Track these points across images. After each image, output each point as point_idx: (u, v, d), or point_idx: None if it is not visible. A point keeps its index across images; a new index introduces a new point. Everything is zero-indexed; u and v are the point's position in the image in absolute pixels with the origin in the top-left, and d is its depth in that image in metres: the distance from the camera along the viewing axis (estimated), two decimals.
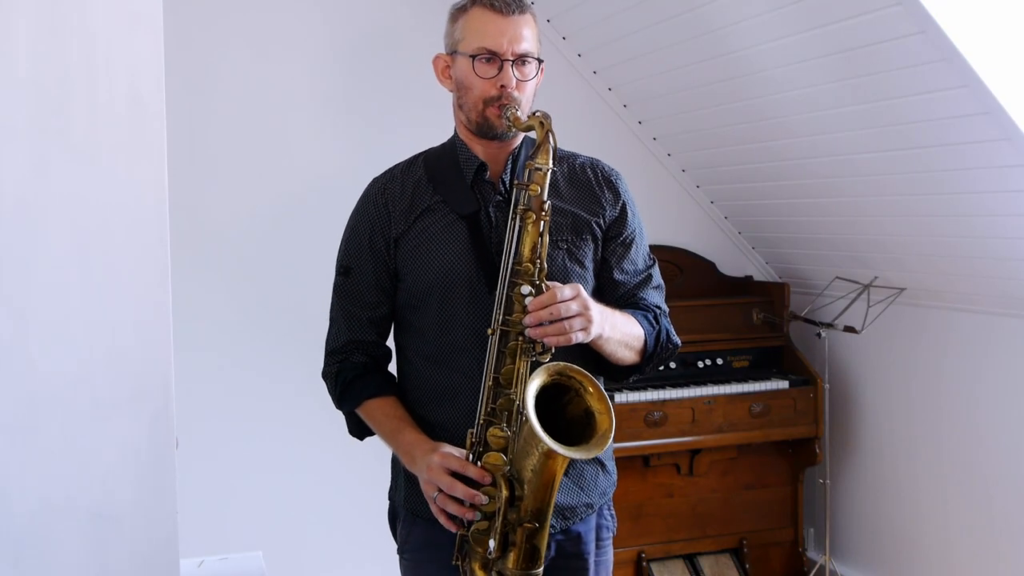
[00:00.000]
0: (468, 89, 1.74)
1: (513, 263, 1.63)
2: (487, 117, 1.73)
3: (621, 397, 3.46)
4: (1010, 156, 2.61)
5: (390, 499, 1.93)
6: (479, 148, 1.79)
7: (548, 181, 1.64)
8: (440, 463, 1.61)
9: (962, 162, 2.78)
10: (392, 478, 1.92)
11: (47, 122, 1.66)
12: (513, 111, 1.68)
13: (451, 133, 1.86)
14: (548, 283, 1.62)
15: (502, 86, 1.71)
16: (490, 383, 1.63)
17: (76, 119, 1.67)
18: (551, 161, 1.64)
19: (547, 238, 1.64)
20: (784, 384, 3.70)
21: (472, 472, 1.59)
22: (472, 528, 1.61)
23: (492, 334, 1.63)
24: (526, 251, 1.62)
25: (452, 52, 1.77)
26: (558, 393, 1.58)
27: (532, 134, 1.73)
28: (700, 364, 3.73)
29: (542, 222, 1.63)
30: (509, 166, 1.79)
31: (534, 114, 1.65)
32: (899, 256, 3.39)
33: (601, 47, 3.70)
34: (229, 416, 3.47)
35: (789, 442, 3.79)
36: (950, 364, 3.42)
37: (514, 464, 1.58)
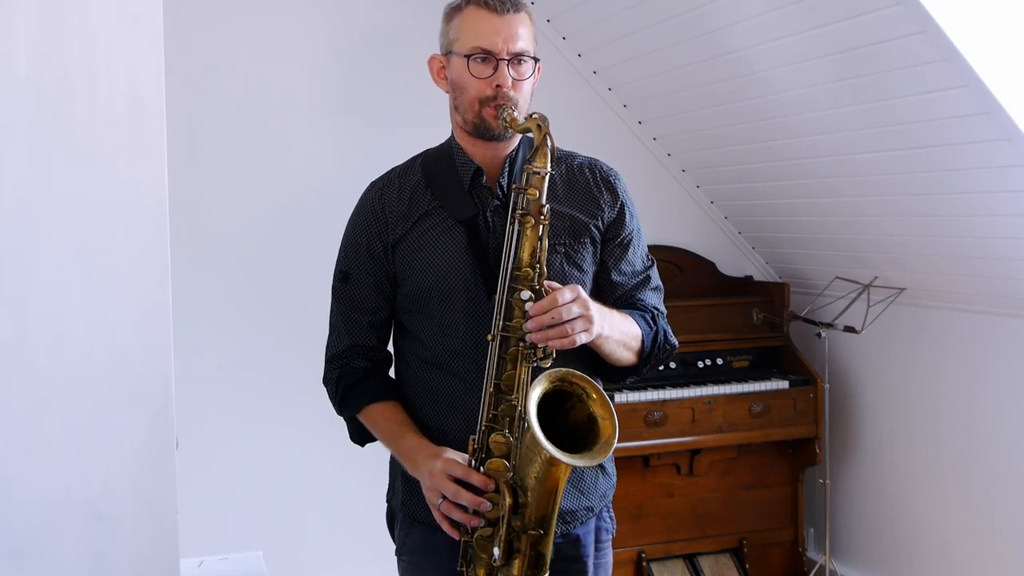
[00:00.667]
0: (463, 89, 1.72)
1: (512, 268, 1.61)
2: (483, 118, 1.71)
3: (621, 397, 3.46)
4: (1010, 156, 2.61)
5: (388, 502, 1.92)
6: (476, 151, 1.78)
7: (546, 185, 1.62)
8: (443, 469, 1.60)
9: (962, 162, 2.78)
10: (390, 480, 1.92)
11: (47, 122, 1.66)
12: (510, 112, 1.67)
13: (450, 133, 1.85)
14: (548, 283, 1.61)
15: (498, 86, 1.69)
16: (491, 389, 1.61)
17: (76, 119, 1.67)
18: (549, 165, 1.62)
19: (546, 242, 1.62)
20: (784, 384, 3.70)
21: (475, 479, 1.58)
22: (476, 534, 1.60)
23: (492, 340, 1.62)
24: (525, 256, 1.61)
25: (447, 52, 1.76)
26: (560, 399, 1.58)
27: (530, 134, 1.73)
28: (700, 364, 3.73)
29: (541, 226, 1.61)
30: (506, 169, 1.77)
31: (531, 116, 1.63)
32: (899, 256, 3.39)
33: (601, 47, 3.70)
34: (229, 416, 3.47)
35: (789, 442, 3.79)
36: (950, 364, 3.42)
37: (517, 471, 1.57)
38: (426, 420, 1.77)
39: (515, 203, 1.63)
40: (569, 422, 1.58)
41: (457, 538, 1.63)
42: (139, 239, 1.72)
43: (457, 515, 1.59)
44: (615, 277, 1.82)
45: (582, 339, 1.58)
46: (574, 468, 1.76)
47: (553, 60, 3.74)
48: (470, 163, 1.78)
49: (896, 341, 3.63)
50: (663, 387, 3.57)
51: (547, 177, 1.62)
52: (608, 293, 1.82)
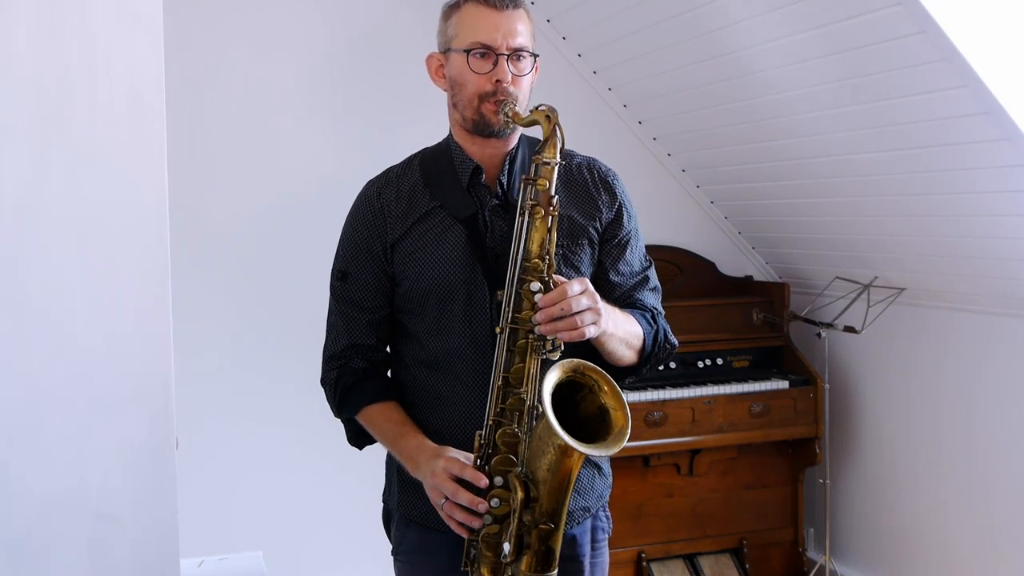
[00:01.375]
0: (463, 86, 1.72)
1: (522, 259, 1.60)
2: (483, 114, 1.71)
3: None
4: (1010, 156, 2.61)
5: (384, 502, 1.92)
6: (474, 149, 1.77)
7: (556, 175, 1.62)
8: (444, 468, 1.60)
9: (962, 162, 2.78)
10: (386, 480, 1.91)
11: (47, 122, 1.66)
12: (512, 106, 1.66)
13: (448, 131, 1.85)
14: (556, 277, 1.61)
15: (497, 81, 1.68)
16: (499, 383, 1.60)
17: (76, 119, 1.67)
18: (559, 155, 1.61)
19: (555, 234, 1.62)
20: (784, 384, 3.70)
21: (468, 475, 1.57)
22: (482, 533, 1.59)
23: (501, 332, 1.61)
24: (534, 247, 1.60)
25: (445, 50, 1.76)
26: (571, 392, 1.56)
27: (530, 132, 1.72)
28: (700, 364, 3.73)
29: (550, 217, 1.61)
30: (506, 167, 1.77)
31: (539, 108, 1.63)
32: (899, 256, 3.39)
33: (601, 47, 3.70)
34: (229, 416, 3.47)
35: (789, 442, 3.79)
36: (950, 364, 3.42)
37: (528, 464, 1.56)
38: (423, 421, 1.76)
39: (524, 194, 1.62)
40: (580, 415, 1.57)
41: (466, 537, 1.61)
42: (139, 239, 1.72)
43: (459, 515, 1.58)
44: (613, 277, 1.82)
45: (591, 332, 1.57)
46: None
47: (553, 60, 3.74)
48: (469, 161, 1.77)
49: (896, 341, 3.63)
50: (663, 387, 3.57)
51: (556, 168, 1.62)
52: (606, 293, 1.81)
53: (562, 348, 1.59)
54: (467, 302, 1.73)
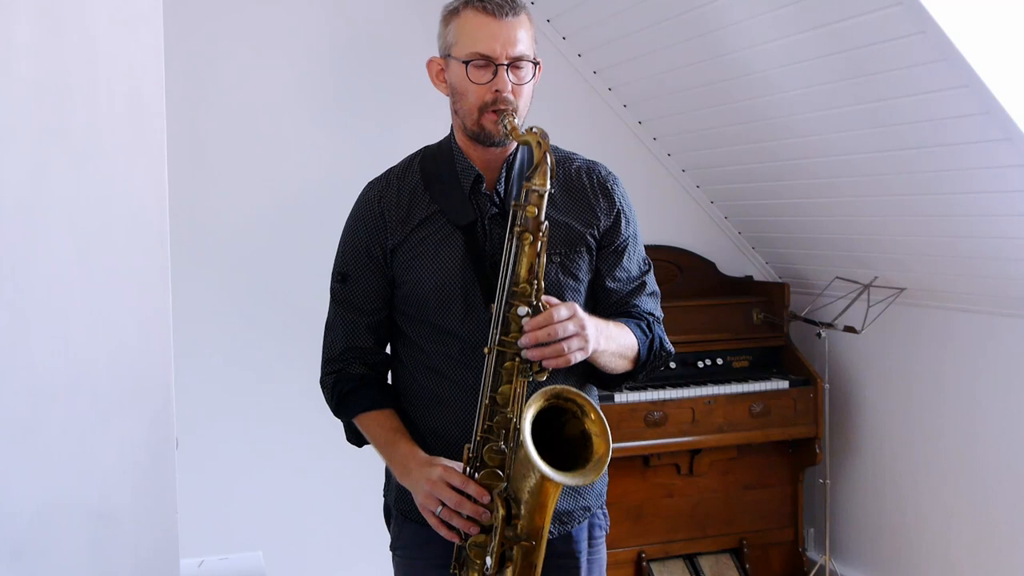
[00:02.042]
0: (463, 95, 1.71)
1: (510, 284, 1.60)
2: (483, 125, 1.70)
3: (621, 397, 3.46)
4: (1010, 156, 2.61)
5: (384, 496, 1.93)
6: (475, 154, 1.77)
7: (545, 203, 1.61)
8: (443, 476, 1.61)
9: (962, 162, 2.78)
10: (385, 477, 1.92)
11: (47, 122, 1.66)
12: (511, 119, 1.65)
13: (450, 129, 1.84)
14: (546, 299, 1.61)
15: (497, 91, 1.68)
16: (487, 401, 1.62)
17: (76, 119, 1.67)
18: (548, 183, 1.60)
19: (544, 258, 1.61)
20: (784, 384, 3.70)
21: (472, 489, 1.59)
22: (469, 540, 1.61)
23: (489, 353, 1.61)
24: (523, 272, 1.60)
25: (445, 55, 1.75)
26: (555, 414, 1.58)
27: (528, 125, 1.72)
28: (700, 364, 3.73)
29: (539, 243, 1.60)
30: (503, 175, 1.76)
31: (532, 130, 1.61)
32: (899, 256, 3.39)
33: (601, 47, 3.70)
34: (229, 416, 3.47)
35: (789, 442, 3.79)
36: (950, 364, 3.42)
37: (511, 483, 1.59)
38: (421, 423, 1.77)
39: (513, 219, 1.62)
40: (564, 435, 1.59)
41: (456, 542, 1.63)
42: (139, 239, 1.72)
43: (457, 522, 1.60)
44: (610, 284, 1.82)
45: (577, 357, 1.59)
46: None
47: (553, 60, 3.74)
48: (471, 169, 1.77)
49: (896, 341, 3.63)
50: (663, 387, 3.57)
51: (546, 196, 1.61)
52: (603, 299, 1.82)
53: (548, 371, 1.60)
54: (464, 308, 1.73)
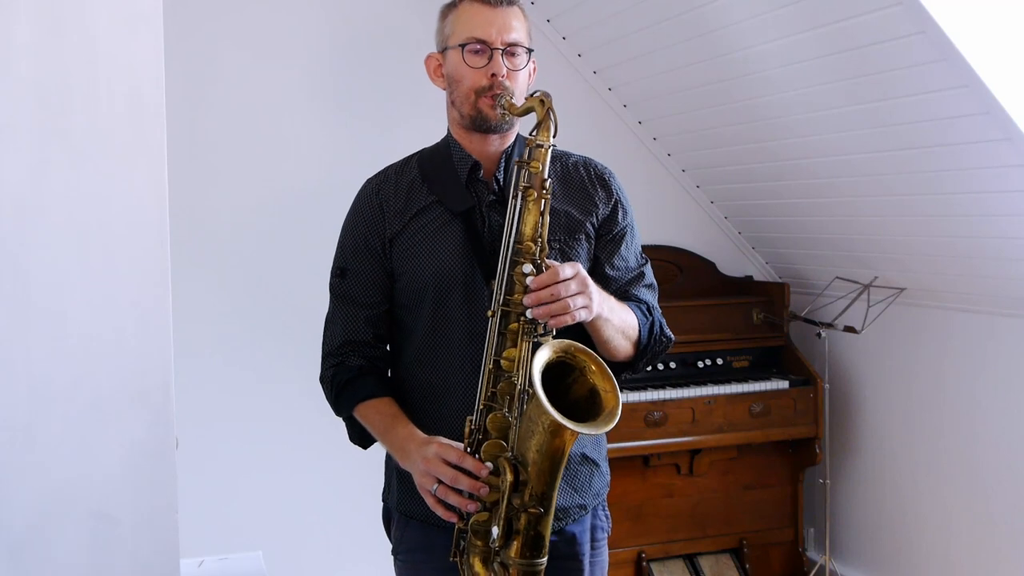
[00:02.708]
0: (459, 82, 1.74)
1: (514, 242, 1.61)
2: (480, 109, 1.72)
3: (621, 397, 3.44)
4: (1010, 156, 2.61)
5: (384, 501, 1.92)
6: (473, 146, 1.79)
7: (549, 158, 1.62)
8: (438, 453, 1.59)
9: (962, 162, 2.78)
10: (385, 479, 1.92)
11: (47, 122, 1.66)
12: (508, 98, 1.67)
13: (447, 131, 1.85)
14: (548, 262, 1.61)
15: (493, 75, 1.70)
16: (490, 366, 1.60)
17: (76, 119, 1.67)
18: (552, 138, 1.62)
19: (548, 217, 1.62)
20: (784, 384, 3.70)
21: (469, 463, 1.57)
22: (472, 520, 1.58)
23: (492, 315, 1.61)
24: (527, 230, 1.60)
25: (443, 49, 1.78)
26: (562, 374, 1.55)
27: (526, 130, 1.72)
28: (700, 364, 3.73)
29: (543, 200, 1.61)
30: (503, 164, 1.78)
31: (533, 94, 1.63)
32: (899, 256, 3.39)
33: (601, 47, 3.70)
34: (229, 416, 3.47)
35: (789, 442, 3.79)
36: (950, 364, 3.42)
37: (517, 447, 1.55)
38: (422, 415, 1.77)
39: (518, 177, 1.63)
40: (570, 398, 1.56)
41: (454, 522, 1.61)
42: (139, 239, 1.72)
43: (454, 499, 1.57)
44: (609, 272, 1.83)
45: (581, 316, 1.58)
46: (568, 464, 1.76)
47: (553, 60, 3.74)
48: (467, 157, 1.79)
49: (896, 341, 3.63)
50: (663, 387, 3.57)
51: (550, 150, 1.62)
52: (602, 288, 1.82)
53: (554, 332, 1.59)
54: (465, 296, 1.74)
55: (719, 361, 3.76)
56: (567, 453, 1.53)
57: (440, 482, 1.58)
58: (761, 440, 3.71)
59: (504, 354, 1.60)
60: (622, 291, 1.83)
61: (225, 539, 3.32)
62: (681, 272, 3.97)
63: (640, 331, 1.76)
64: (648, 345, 1.79)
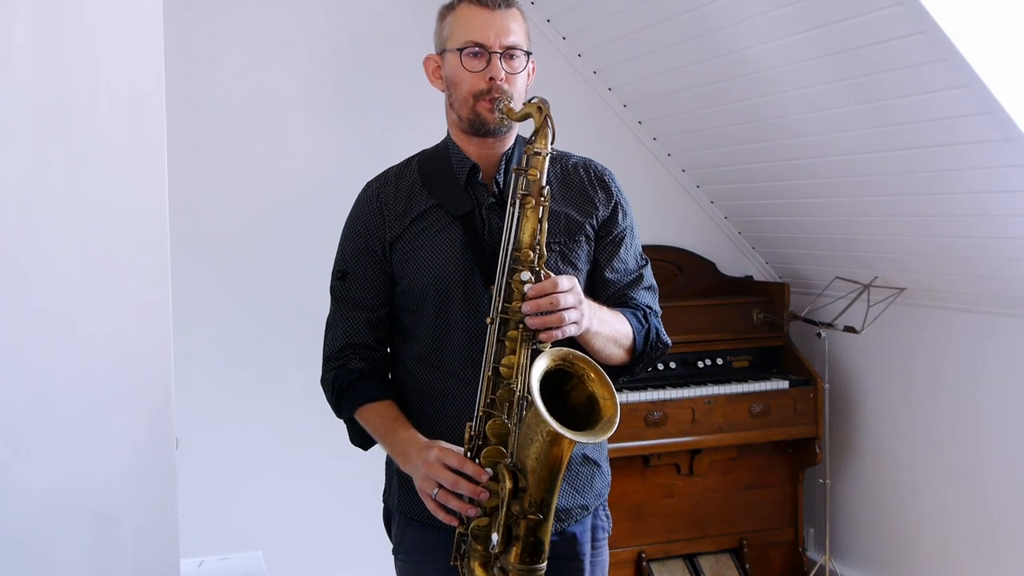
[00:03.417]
0: (457, 85, 1.74)
1: (512, 249, 1.61)
2: (478, 112, 1.72)
3: (621, 397, 3.42)
4: (1010, 156, 2.61)
5: (384, 501, 1.93)
6: (472, 149, 1.79)
7: (547, 165, 1.62)
8: (439, 458, 1.60)
9: (962, 162, 2.78)
10: (386, 480, 1.92)
11: (47, 122, 1.66)
12: (506, 103, 1.68)
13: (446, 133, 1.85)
14: (547, 272, 1.61)
15: (491, 78, 1.70)
16: (489, 373, 1.61)
17: (76, 119, 1.67)
18: (549, 146, 1.62)
19: (546, 224, 1.62)
20: (784, 384, 3.70)
21: (469, 468, 1.57)
22: (472, 525, 1.59)
23: (491, 323, 1.61)
24: (525, 237, 1.61)
25: (441, 51, 1.78)
26: (560, 381, 1.56)
27: (527, 133, 1.72)
28: (700, 364, 3.73)
29: (541, 208, 1.61)
30: (502, 167, 1.78)
31: (531, 100, 1.64)
32: (899, 256, 3.39)
33: (601, 47, 3.70)
34: (229, 416, 3.47)
35: (789, 442, 3.79)
36: (950, 364, 3.42)
37: (516, 455, 1.56)
38: (422, 418, 1.77)
39: (515, 184, 1.63)
40: (569, 405, 1.57)
41: (457, 526, 1.61)
42: (139, 239, 1.72)
43: (454, 503, 1.58)
44: (608, 274, 1.83)
45: (571, 331, 1.58)
46: (569, 465, 1.76)
47: (553, 60, 3.74)
48: (466, 160, 1.79)
49: (896, 341, 3.63)
50: (663, 387, 3.57)
51: (547, 158, 1.62)
52: (601, 290, 1.82)
53: (547, 344, 1.59)
54: (465, 299, 1.74)
55: (719, 361, 3.76)
56: (565, 461, 1.54)
57: (441, 486, 1.58)
58: (761, 440, 3.71)
59: (503, 361, 1.60)
60: (621, 293, 1.83)
61: (225, 539, 3.32)
62: (681, 272, 3.97)
63: (635, 338, 1.76)
64: (644, 352, 1.79)
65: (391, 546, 1.90)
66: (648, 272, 1.89)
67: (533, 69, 1.79)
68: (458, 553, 1.64)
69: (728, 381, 3.66)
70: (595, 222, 1.82)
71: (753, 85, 3.18)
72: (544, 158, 1.62)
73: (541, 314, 1.56)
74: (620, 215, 1.84)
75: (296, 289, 3.42)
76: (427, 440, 1.67)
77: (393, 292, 1.82)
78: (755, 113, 3.30)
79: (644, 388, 3.54)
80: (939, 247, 3.19)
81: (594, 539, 1.85)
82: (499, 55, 1.70)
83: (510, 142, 1.80)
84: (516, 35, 1.72)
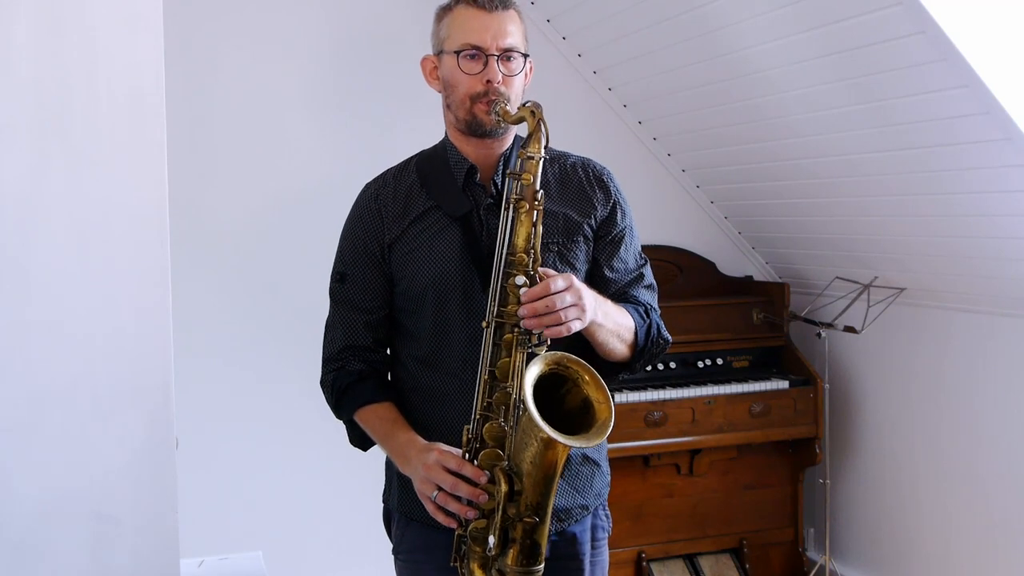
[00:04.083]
0: (454, 87, 1.74)
1: (507, 254, 1.61)
2: (475, 114, 1.72)
3: (621, 397, 3.45)
4: (1010, 156, 2.61)
5: (384, 502, 1.93)
6: (469, 149, 1.79)
7: (540, 170, 1.63)
8: (438, 460, 1.60)
9: (962, 162, 2.78)
10: (386, 480, 1.92)
11: (47, 122, 1.66)
12: (502, 105, 1.68)
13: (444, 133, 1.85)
14: (543, 270, 1.62)
15: (488, 81, 1.70)
16: (486, 377, 1.61)
17: (76, 119, 1.67)
18: (543, 150, 1.63)
19: (540, 228, 1.62)
20: (784, 384, 3.70)
21: (468, 470, 1.58)
22: (470, 527, 1.59)
23: (487, 326, 1.62)
24: (520, 241, 1.61)
25: (438, 52, 1.78)
26: (555, 384, 1.57)
27: (523, 130, 1.72)
28: (700, 364, 3.73)
29: (535, 212, 1.61)
30: (500, 168, 1.78)
31: (524, 105, 1.64)
32: (899, 256, 3.39)
33: (601, 47, 3.70)
34: (229, 416, 3.47)
35: (789, 442, 3.79)
36: (950, 364, 3.42)
37: (512, 458, 1.57)
38: (421, 419, 1.77)
39: (509, 189, 1.63)
40: (564, 408, 1.57)
41: (456, 528, 1.62)
42: (139, 239, 1.72)
43: (453, 506, 1.58)
44: (608, 274, 1.83)
45: (575, 327, 1.58)
46: (569, 465, 1.76)
47: (553, 60, 3.74)
48: (464, 161, 1.79)
49: (896, 341, 3.63)
50: (663, 387, 3.57)
51: (541, 162, 1.63)
52: (601, 289, 1.82)
53: (548, 342, 1.60)
54: (464, 300, 1.74)
55: (719, 361, 3.76)
56: (561, 465, 1.54)
57: (440, 489, 1.59)
58: (761, 440, 3.71)
59: (499, 364, 1.61)
60: (621, 292, 1.83)
61: (225, 539, 3.32)
62: (681, 272, 3.97)
63: (637, 333, 1.77)
64: (645, 347, 1.79)
65: (391, 546, 1.91)
66: (648, 271, 1.89)
67: (530, 69, 1.79)
68: (457, 554, 1.65)
69: (728, 381, 3.66)
70: (593, 222, 1.82)
71: (753, 85, 3.18)
72: (538, 162, 1.62)
73: (538, 316, 1.56)
74: (619, 215, 1.84)
75: (296, 289, 3.42)
76: (426, 442, 1.68)
77: (392, 294, 1.82)
78: (755, 113, 3.30)
79: (644, 388, 3.54)
80: (939, 247, 3.19)
81: (594, 539, 1.85)
82: (496, 58, 1.70)
83: (508, 142, 1.80)
84: (513, 37, 1.72)
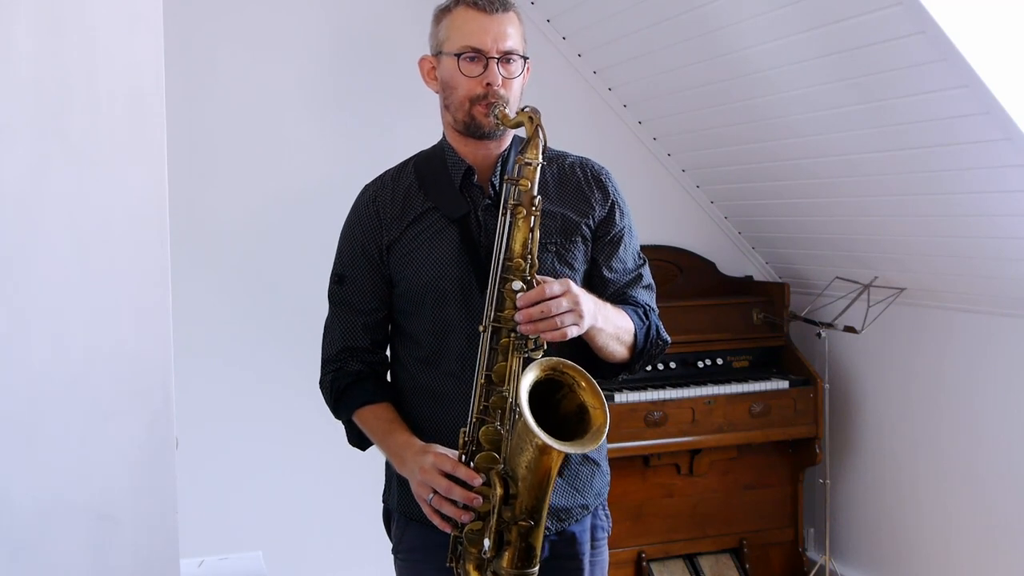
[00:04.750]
0: (454, 89, 1.74)
1: (504, 259, 1.62)
2: (474, 116, 1.72)
3: (621, 397, 3.45)
4: (1010, 156, 2.61)
5: (384, 501, 1.93)
6: (467, 150, 1.79)
7: (538, 176, 1.63)
8: (434, 463, 1.61)
9: (962, 162, 2.78)
10: (386, 480, 1.92)
11: (47, 122, 1.66)
12: (501, 108, 1.68)
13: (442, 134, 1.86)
14: (540, 277, 1.62)
15: (488, 84, 1.70)
16: (482, 381, 1.62)
17: (76, 119, 1.67)
18: (541, 156, 1.63)
19: (538, 233, 1.62)
20: (784, 384, 3.70)
21: (462, 473, 1.58)
22: (466, 529, 1.60)
23: (484, 331, 1.62)
24: (517, 247, 1.61)
25: (437, 53, 1.77)
26: (551, 389, 1.58)
27: (522, 132, 1.73)
28: (700, 364, 3.73)
29: (532, 217, 1.62)
30: (498, 169, 1.78)
31: (523, 109, 1.64)
32: (899, 256, 3.39)
33: (601, 47, 3.70)
34: (229, 416, 3.47)
35: (789, 442, 3.79)
36: (950, 364, 3.42)
37: (508, 461, 1.58)
38: (420, 420, 1.78)
39: (507, 194, 1.64)
40: (560, 413, 1.58)
41: (449, 531, 1.63)
42: (139, 239, 1.72)
43: (448, 509, 1.59)
44: (607, 274, 1.83)
45: (572, 332, 1.58)
46: (568, 465, 1.77)
47: (553, 60, 3.74)
48: (461, 162, 1.79)
49: (896, 341, 3.63)
50: (663, 387, 3.57)
51: (539, 168, 1.63)
52: (600, 290, 1.82)
53: (544, 347, 1.60)
54: (462, 300, 1.74)
55: (719, 361, 3.76)
56: (555, 469, 1.55)
57: (436, 492, 1.59)
58: (761, 440, 3.71)
59: (495, 368, 1.61)
60: (619, 292, 1.83)
61: (225, 539, 3.32)
62: (681, 272, 3.97)
63: (636, 335, 1.77)
64: (644, 348, 1.79)
65: (391, 546, 1.91)
66: (646, 271, 1.89)
67: (528, 69, 1.79)
68: (454, 555, 1.65)
69: (728, 381, 3.66)
70: (592, 222, 1.82)
71: (753, 85, 3.18)
72: (535, 168, 1.62)
73: (533, 321, 1.56)
74: (617, 215, 1.84)
75: (296, 289, 3.41)
76: (423, 444, 1.68)
77: (391, 295, 1.82)
78: (755, 113, 3.30)
79: (644, 388, 3.54)
80: (939, 247, 3.19)
81: (594, 539, 1.85)
82: (496, 60, 1.70)
83: (506, 143, 1.80)
84: (513, 39, 1.72)
